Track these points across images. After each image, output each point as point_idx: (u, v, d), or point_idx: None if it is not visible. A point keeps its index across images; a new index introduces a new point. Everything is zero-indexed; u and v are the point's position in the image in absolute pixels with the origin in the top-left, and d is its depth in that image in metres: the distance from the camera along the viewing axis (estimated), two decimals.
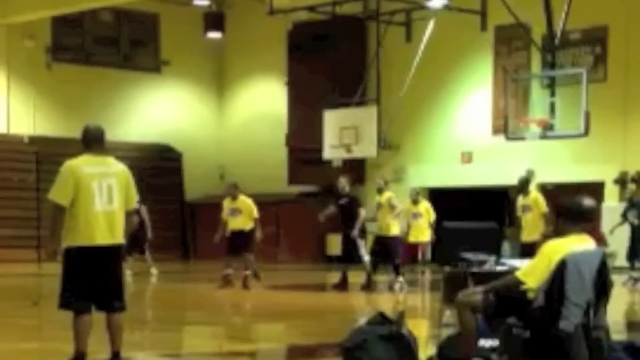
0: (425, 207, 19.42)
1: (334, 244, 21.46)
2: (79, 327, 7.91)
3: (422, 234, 19.10)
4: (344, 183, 17.80)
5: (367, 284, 17.34)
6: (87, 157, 8.00)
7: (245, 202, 17.27)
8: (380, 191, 17.78)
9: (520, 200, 16.45)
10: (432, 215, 19.25)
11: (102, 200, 7.89)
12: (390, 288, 17.27)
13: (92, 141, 8.07)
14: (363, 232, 17.69)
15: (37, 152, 26.92)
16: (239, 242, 17.01)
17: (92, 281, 7.91)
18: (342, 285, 17.61)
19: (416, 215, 19.14)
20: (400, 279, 17.28)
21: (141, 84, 30.04)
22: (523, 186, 16.59)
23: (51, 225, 8.11)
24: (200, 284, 17.58)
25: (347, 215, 17.58)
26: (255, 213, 17.11)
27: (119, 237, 7.98)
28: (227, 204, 17.31)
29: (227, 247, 17.27)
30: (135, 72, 30.06)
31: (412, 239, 18.95)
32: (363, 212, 17.54)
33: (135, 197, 8.13)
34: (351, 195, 17.93)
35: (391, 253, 17.27)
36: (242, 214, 17.12)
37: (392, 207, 17.45)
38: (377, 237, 17.66)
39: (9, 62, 27.40)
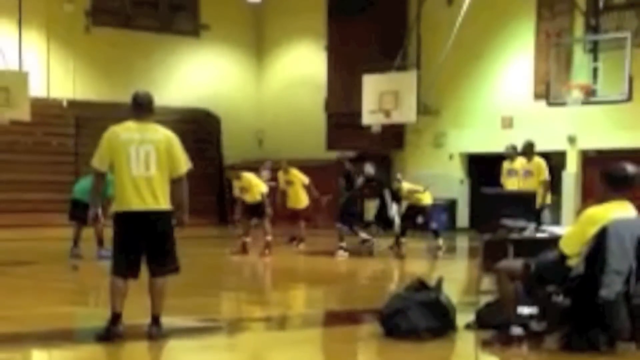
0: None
1: (372, 211, 21.40)
2: (111, 289, 8.02)
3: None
4: (369, 169, 18.62)
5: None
6: (129, 123, 8.05)
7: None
8: (399, 190, 18.64)
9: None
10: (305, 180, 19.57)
11: (139, 166, 7.90)
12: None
13: (136, 107, 8.09)
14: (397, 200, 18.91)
15: (76, 116, 27.03)
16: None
17: (137, 247, 7.97)
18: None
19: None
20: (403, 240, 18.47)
21: (180, 48, 30.02)
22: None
23: (92, 191, 8.29)
24: (230, 248, 17.60)
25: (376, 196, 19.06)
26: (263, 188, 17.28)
27: (160, 203, 7.97)
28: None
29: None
30: (174, 36, 30.06)
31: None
32: (387, 193, 18.78)
33: (182, 164, 8.08)
34: (377, 179, 18.86)
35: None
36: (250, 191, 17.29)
37: (414, 192, 18.57)
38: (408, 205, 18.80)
39: (48, 27, 27.47)
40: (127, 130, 7.98)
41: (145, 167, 7.91)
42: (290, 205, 19.37)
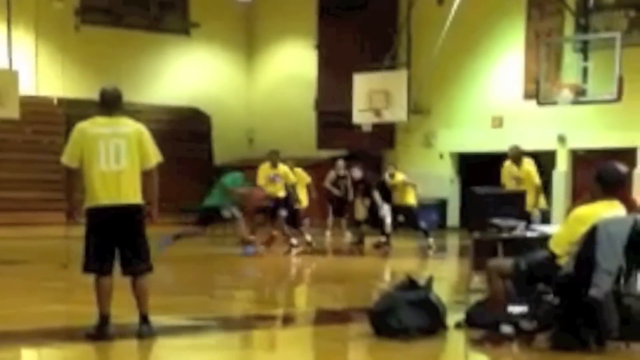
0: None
1: (362, 209, 21.45)
2: (98, 290, 7.95)
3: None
4: (356, 172, 19.03)
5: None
6: (98, 118, 8.00)
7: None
8: (392, 176, 18.59)
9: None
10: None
11: (109, 160, 7.84)
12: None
13: (105, 103, 8.04)
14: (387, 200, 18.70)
15: (66, 114, 26.95)
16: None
17: (108, 243, 7.91)
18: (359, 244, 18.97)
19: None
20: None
21: (170, 46, 29.98)
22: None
23: (65, 188, 8.19)
24: (228, 248, 17.57)
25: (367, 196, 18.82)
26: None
27: (131, 198, 7.90)
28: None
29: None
30: (164, 34, 30.01)
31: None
32: (376, 194, 18.45)
33: (153, 156, 8.03)
34: (366, 180, 19.03)
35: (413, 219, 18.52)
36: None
37: (407, 184, 18.54)
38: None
39: (37, 24, 27.40)
40: (95, 125, 7.93)
41: (115, 160, 7.84)
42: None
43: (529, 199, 15.95)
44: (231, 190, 16.31)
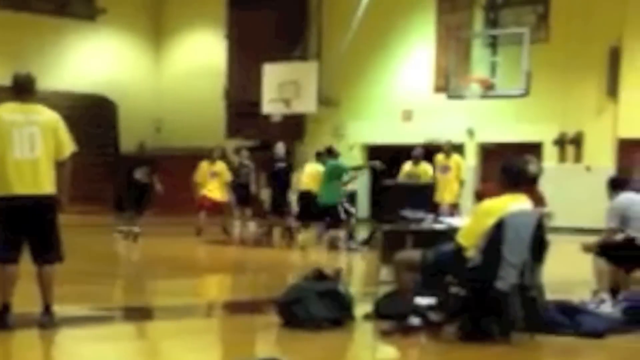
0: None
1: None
2: (2, 278, 7.76)
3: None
4: (281, 148, 18.66)
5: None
6: (11, 104, 7.80)
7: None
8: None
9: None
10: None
11: (23, 148, 7.66)
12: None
13: (19, 89, 7.84)
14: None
15: None
16: None
17: (18, 232, 7.75)
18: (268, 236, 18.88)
19: None
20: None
21: (75, 32, 29.44)
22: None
23: None
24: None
25: (284, 180, 18.63)
26: None
27: (44, 187, 7.75)
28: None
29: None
30: (69, 19, 29.44)
31: None
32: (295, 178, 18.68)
33: (67, 146, 7.88)
34: (288, 161, 19.04)
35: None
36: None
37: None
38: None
39: None
40: (9, 112, 7.73)
41: (30, 149, 7.67)
42: (211, 196, 18.93)
43: (452, 190, 17.16)
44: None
